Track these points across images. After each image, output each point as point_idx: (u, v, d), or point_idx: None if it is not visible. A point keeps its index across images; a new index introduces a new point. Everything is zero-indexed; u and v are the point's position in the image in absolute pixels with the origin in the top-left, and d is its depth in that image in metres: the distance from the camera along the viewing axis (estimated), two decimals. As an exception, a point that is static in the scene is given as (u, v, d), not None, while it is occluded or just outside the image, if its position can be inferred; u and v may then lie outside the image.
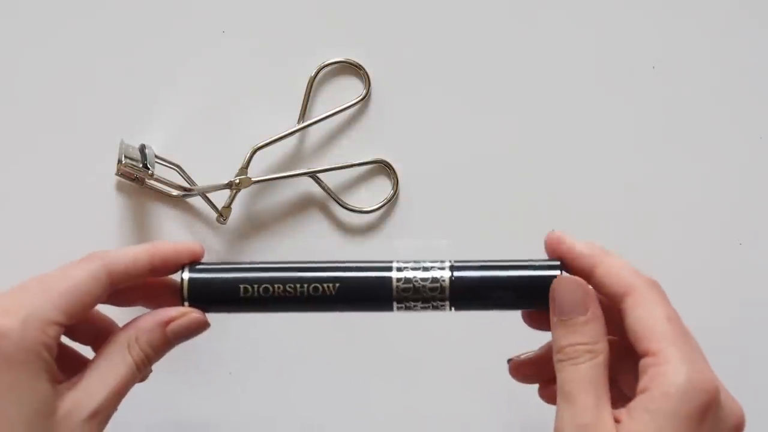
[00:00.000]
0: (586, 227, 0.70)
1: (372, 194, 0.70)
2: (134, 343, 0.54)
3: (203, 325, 0.56)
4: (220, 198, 0.68)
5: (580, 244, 0.54)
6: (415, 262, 0.55)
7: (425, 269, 0.55)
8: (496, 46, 0.70)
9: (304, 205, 0.70)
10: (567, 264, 0.54)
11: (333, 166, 0.69)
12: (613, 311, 0.53)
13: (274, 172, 0.69)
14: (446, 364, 0.70)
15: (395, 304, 0.55)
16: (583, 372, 0.50)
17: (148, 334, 0.54)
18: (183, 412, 0.69)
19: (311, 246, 0.70)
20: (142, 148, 0.66)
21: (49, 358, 0.51)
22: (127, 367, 0.54)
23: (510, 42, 0.70)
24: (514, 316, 0.56)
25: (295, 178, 0.69)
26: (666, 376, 0.49)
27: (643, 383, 0.50)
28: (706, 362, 0.51)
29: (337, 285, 0.55)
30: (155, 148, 0.68)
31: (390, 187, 0.70)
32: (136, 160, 0.64)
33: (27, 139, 0.69)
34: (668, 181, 0.71)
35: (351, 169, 0.70)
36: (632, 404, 0.49)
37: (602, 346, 0.51)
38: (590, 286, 0.53)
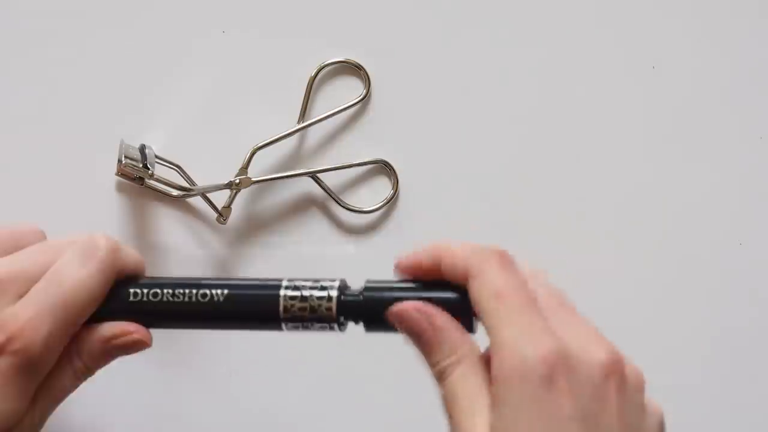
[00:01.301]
0: (585, 227, 0.70)
1: (372, 194, 0.70)
2: (76, 356, 0.55)
3: (144, 346, 0.56)
4: (220, 198, 0.68)
5: (419, 253, 0.53)
6: (304, 279, 0.55)
7: (313, 287, 0.54)
8: (496, 46, 0.70)
9: (304, 205, 0.70)
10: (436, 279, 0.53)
11: (333, 166, 0.69)
12: None
13: (274, 172, 0.69)
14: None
15: (283, 323, 0.55)
16: (448, 389, 0.50)
17: (90, 348, 0.55)
18: (183, 412, 0.69)
19: (311, 246, 0.70)
20: (142, 148, 0.66)
21: (50, 366, 0.54)
22: (67, 378, 0.55)
23: (509, 42, 0.70)
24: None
25: (295, 178, 0.69)
26: (501, 362, 0.47)
27: (492, 370, 0.48)
28: (543, 328, 0.48)
29: (226, 291, 0.55)
30: (155, 148, 0.68)
31: (390, 187, 0.70)
32: (136, 160, 0.64)
33: (27, 139, 0.69)
34: (668, 181, 0.71)
35: (351, 169, 0.70)
36: (492, 399, 0.48)
37: (461, 354, 0.50)
38: (417, 302, 0.52)
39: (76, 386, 0.56)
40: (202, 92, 0.69)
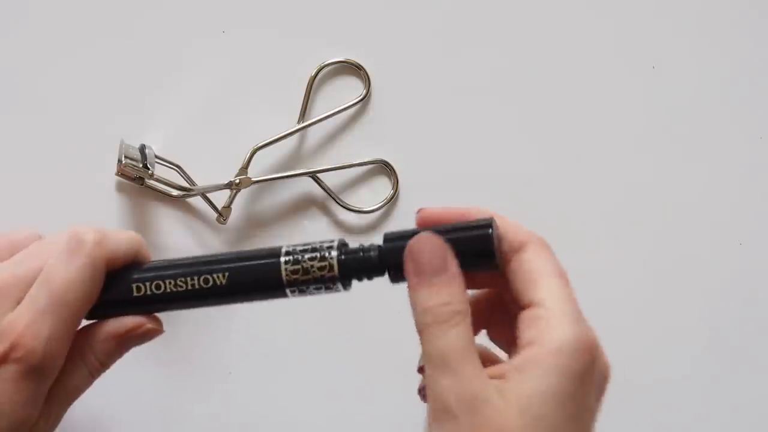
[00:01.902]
0: (585, 227, 0.70)
1: (372, 194, 0.70)
2: (89, 353, 0.55)
3: (156, 333, 0.56)
4: (220, 198, 0.68)
5: (445, 208, 0.53)
6: (304, 244, 0.55)
7: (313, 250, 0.54)
8: (496, 46, 0.70)
9: (304, 205, 0.70)
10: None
11: (333, 166, 0.69)
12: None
13: (274, 172, 0.69)
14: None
15: (287, 289, 0.54)
16: (458, 337, 0.48)
17: (103, 345, 0.55)
18: (183, 412, 0.69)
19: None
20: (142, 148, 0.66)
21: (58, 368, 0.54)
22: (81, 376, 0.55)
23: (510, 42, 0.70)
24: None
25: (295, 178, 0.69)
26: (557, 333, 0.48)
27: (528, 336, 0.48)
28: (587, 321, 0.50)
29: (227, 274, 0.55)
30: (155, 148, 0.68)
31: (390, 187, 0.70)
32: (136, 160, 0.64)
33: (27, 139, 0.69)
34: (668, 181, 0.71)
35: (351, 169, 0.70)
36: (520, 360, 0.48)
37: (467, 306, 0.49)
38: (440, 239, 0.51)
39: (90, 383, 0.55)
40: (202, 92, 0.69)
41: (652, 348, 0.71)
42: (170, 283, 0.55)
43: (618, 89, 0.71)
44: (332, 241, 0.55)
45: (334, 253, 0.54)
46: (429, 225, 0.52)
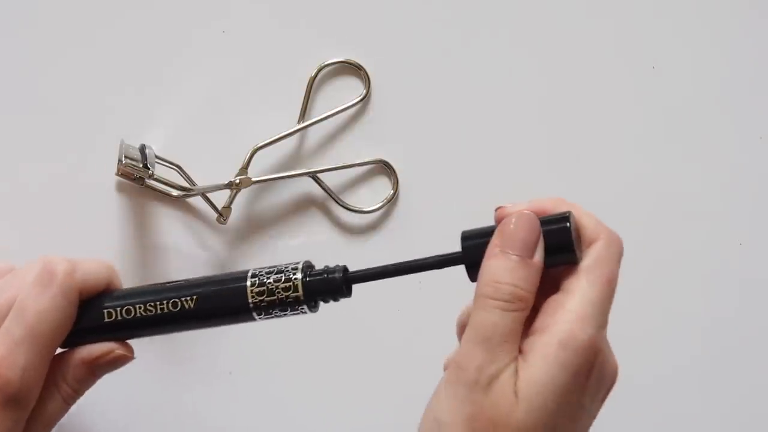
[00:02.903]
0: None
1: (372, 194, 0.70)
2: (62, 381, 0.56)
3: (127, 360, 0.57)
4: (220, 198, 0.68)
5: (542, 199, 0.53)
6: (270, 267, 0.55)
7: (278, 272, 0.55)
8: (496, 46, 0.70)
9: (304, 205, 0.70)
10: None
11: (333, 166, 0.69)
12: None
13: (274, 172, 0.69)
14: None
15: (254, 312, 0.55)
16: (511, 321, 0.49)
17: (75, 371, 0.56)
18: (183, 412, 0.69)
19: (311, 246, 0.70)
20: (142, 148, 0.66)
21: (35, 398, 0.55)
22: (56, 404, 0.56)
23: (510, 42, 0.70)
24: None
25: (295, 178, 0.69)
26: (570, 327, 0.48)
27: (543, 322, 0.49)
28: (605, 330, 0.50)
29: (195, 298, 0.56)
30: (155, 148, 0.68)
31: (390, 187, 0.70)
32: (136, 160, 0.64)
33: (27, 139, 0.69)
34: (668, 181, 0.71)
35: (351, 169, 0.70)
36: (528, 346, 0.49)
37: (532, 299, 0.49)
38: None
39: (65, 411, 0.56)
40: (203, 92, 0.69)
41: (652, 348, 0.71)
42: (140, 308, 0.56)
43: (618, 89, 0.71)
44: (297, 263, 0.55)
45: (298, 275, 0.54)
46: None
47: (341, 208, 0.70)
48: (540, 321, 0.49)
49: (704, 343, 0.71)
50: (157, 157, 0.67)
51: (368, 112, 0.70)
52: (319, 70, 0.70)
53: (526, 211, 0.51)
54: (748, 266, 0.71)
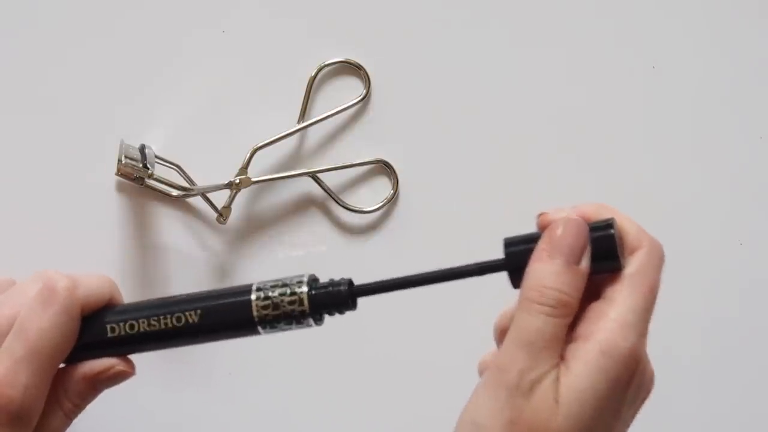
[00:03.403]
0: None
1: (372, 194, 0.70)
2: (63, 396, 0.56)
3: (128, 375, 0.57)
4: (220, 198, 0.68)
5: (585, 205, 0.52)
6: (274, 280, 0.55)
7: (284, 285, 0.54)
8: (496, 45, 0.70)
9: (304, 205, 0.70)
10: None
11: (333, 166, 0.69)
12: None
13: (274, 172, 0.69)
14: (448, 368, 0.70)
15: (259, 326, 0.55)
16: (555, 327, 0.48)
17: (76, 387, 0.56)
18: (183, 412, 0.69)
19: (311, 246, 0.70)
20: (142, 148, 0.66)
21: (37, 416, 0.55)
22: (58, 420, 0.56)
23: (509, 42, 0.70)
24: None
25: (295, 178, 0.69)
26: (612, 336, 0.48)
27: (586, 329, 0.49)
28: (646, 338, 0.50)
29: (199, 312, 0.55)
30: (155, 148, 0.68)
31: (390, 187, 0.70)
32: (136, 160, 0.64)
33: (27, 139, 0.69)
34: (668, 181, 0.71)
35: (351, 169, 0.70)
36: (570, 354, 0.48)
37: (576, 305, 0.49)
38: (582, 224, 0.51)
39: (67, 425, 0.57)
40: (202, 92, 0.69)
41: (652, 348, 0.70)
42: (143, 322, 0.56)
43: (618, 89, 0.71)
44: (302, 276, 0.55)
45: (304, 288, 0.54)
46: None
47: (341, 208, 0.70)
48: (582, 328, 0.49)
49: (704, 343, 0.71)
50: (157, 157, 0.67)
51: (368, 112, 0.70)
52: (319, 70, 0.70)
53: (574, 217, 0.51)
54: (748, 266, 0.71)
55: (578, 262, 0.49)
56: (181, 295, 0.57)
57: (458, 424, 0.50)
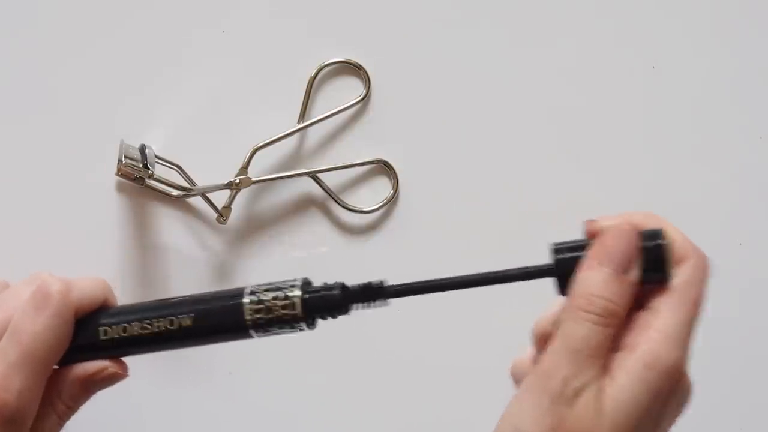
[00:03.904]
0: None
1: (372, 194, 0.70)
2: (56, 399, 0.56)
3: (121, 378, 0.57)
4: (220, 198, 0.68)
5: (635, 214, 0.52)
6: (267, 284, 0.55)
7: (276, 289, 0.54)
8: (496, 45, 0.70)
9: (304, 205, 0.70)
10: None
11: (333, 166, 0.69)
12: None
13: (274, 172, 0.69)
14: (448, 367, 0.70)
15: (251, 330, 0.55)
16: (603, 336, 0.48)
17: (69, 389, 0.56)
18: (183, 412, 0.69)
19: (311, 246, 0.70)
20: (142, 148, 0.66)
21: (31, 419, 0.55)
22: (51, 422, 0.56)
23: (509, 42, 0.70)
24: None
25: (295, 178, 0.69)
26: (657, 348, 0.48)
27: (631, 340, 0.49)
28: (689, 352, 0.50)
29: (192, 315, 0.55)
30: (155, 148, 0.68)
31: (390, 187, 0.70)
32: (136, 160, 0.64)
33: (28, 139, 0.69)
34: (668, 181, 0.71)
35: (351, 169, 0.70)
36: (614, 364, 0.48)
37: (624, 315, 0.49)
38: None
39: (60, 428, 0.57)
40: (203, 92, 0.69)
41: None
42: (136, 326, 0.56)
43: (618, 89, 0.71)
44: (295, 280, 0.54)
45: (297, 292, 0.54)
46: (597, 235, 0.51)
47: (341, 208, 0.70)
48: (626, 339, 0.49)
49: (704, 343, 0.71)
50: (157, 157, 0.67)
51: (368, 112, 0.70)
52: (319, 70, 0.70)
53: (626, 227, 0.51)
54: (748, 266, 0.71)
55: (627, 271, 0.49)
56: (174, 298, 0.57)
57: (497, 428, 0.50)
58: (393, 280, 0.70)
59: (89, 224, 0.68)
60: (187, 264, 0.69)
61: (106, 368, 0.56)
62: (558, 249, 0.52)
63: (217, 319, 0.55)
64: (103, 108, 0.69)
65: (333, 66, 0.70)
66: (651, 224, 0.51)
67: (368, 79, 0.70)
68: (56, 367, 0.57)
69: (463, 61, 0.70)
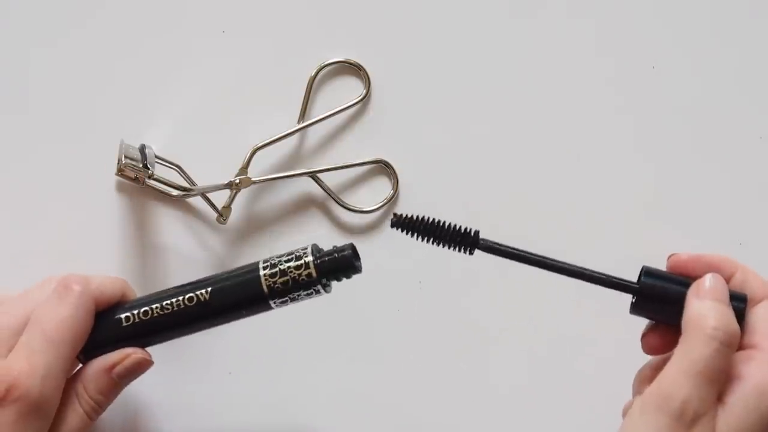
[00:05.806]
0: (586, 226, 0.70)
1: (372, 194, 0.70)
2: (83, 392, 0.57)
3: (147, 364, 0.59)
4: (220, 198, 0.68)
5: (712, 256, 0.56)
6: (278, 256, 0.58)
7: (289, 254, 0.57)
8: (496, 45, 0.70)
9: (304, 205, 0.70)
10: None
11: (333, 166, 0.69)
12: None
13: (274, 172, 0.69)
14: (448, 367, 0.70)
15: (270, 300, 0.57)
16: (725, 360, 0.51)
17: (95, 381, 0.57)
18: (183, 412, 0.69)
19: (311, 246, 0.70)
20: (142, 148, 0.66)
21: (56, 407, 0.56)
22: (78, 418, 0.57)
23: (509, 42, 0.70)
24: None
25: (295, 178, 0.69)
26: (765, 375, 0.51)
27: (740, 371, 0.51)
28: None
29: (210, 288, 0.57)
30: (155, 148, 0.68)
31: (390, 187, 0.70)
32: (136, 160, 0.64)
33: (28, 139, 0.69)
34: (668, 181, 0.71)
35: (351, 169, 0.70)
36: (726, 391, 0.51)
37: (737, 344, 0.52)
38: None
39: (89, 426, 0.57)
40: (203, 92, 0.69)
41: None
42: (157, 307, 0.58)
43: (618, 89, 0.71)
44: (306, 247, 0.57)
45: (309, 255, 0.56)
46: (680, 270, 0.56)
47: (341, 208, 0.70)
48: (737, 369, 0.52)
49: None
50: (157, 157, 0.67)
51: (368, 112, 0.70)
52: (319, 70, 0.70)
53: (718, 275, 0.55)
54: (748, 266, 0.71)
55: (729, 303, 0.54)
56: (192, 281, 0.59)
57: None
58: (393, 280, 0.70)
59: (89, 224, 0.68)
60: (187, 264, 0.69)
61: (128, 355, 0.57)
62: (648, 272, 0.56)
63: (235, 288, 0.57)
64: (103, 108, 0.69)
65: (333, 66, 0.70)
66: (727, 266, 0.56)
67: (368, 79, 0.70)
68: (81, 365, 0.57)
69: (463, 61, 0.70)
